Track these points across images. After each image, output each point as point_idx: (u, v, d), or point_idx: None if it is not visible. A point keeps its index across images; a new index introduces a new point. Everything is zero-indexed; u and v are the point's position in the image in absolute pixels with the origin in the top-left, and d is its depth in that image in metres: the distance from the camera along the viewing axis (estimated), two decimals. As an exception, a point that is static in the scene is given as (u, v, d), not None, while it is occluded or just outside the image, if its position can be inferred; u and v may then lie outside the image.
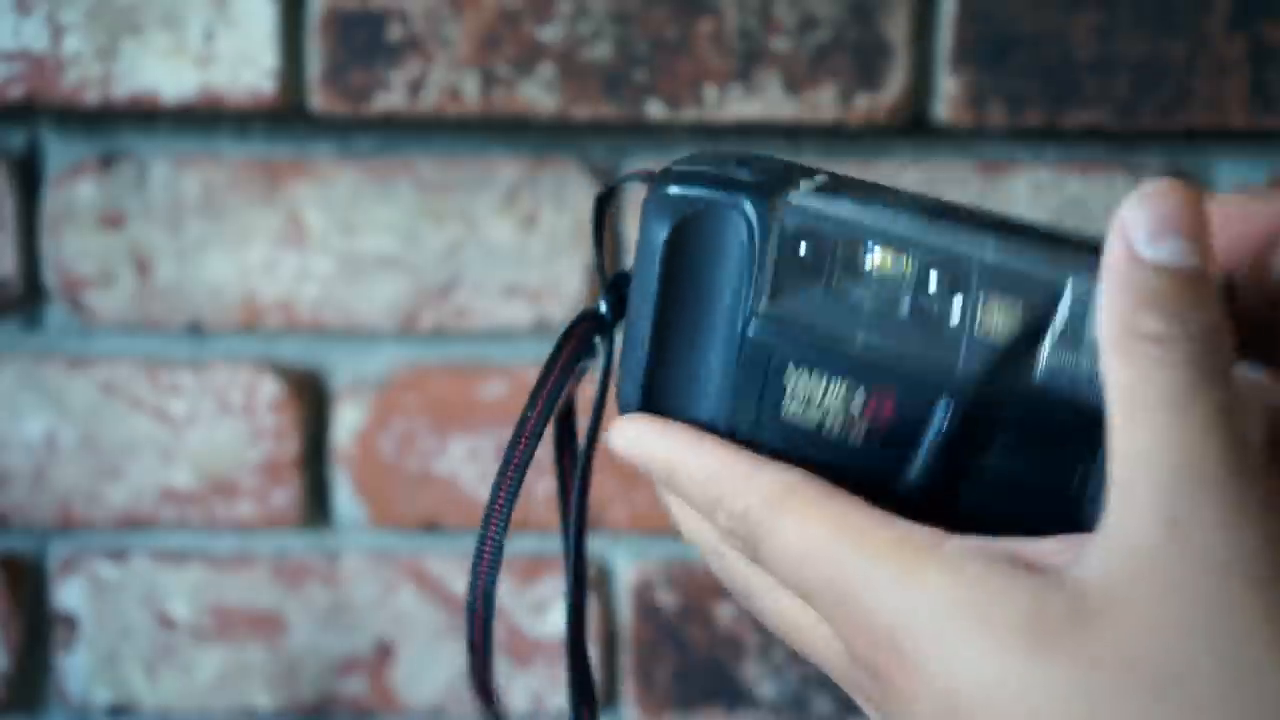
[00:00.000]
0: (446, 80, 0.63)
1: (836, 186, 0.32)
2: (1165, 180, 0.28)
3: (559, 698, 0.68)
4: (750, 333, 0.32)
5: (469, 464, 0.66)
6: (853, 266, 0.31)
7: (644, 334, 0.33)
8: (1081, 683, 0.26)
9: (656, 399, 0.34)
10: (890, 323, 0.31)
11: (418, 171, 0.64)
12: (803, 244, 0.31)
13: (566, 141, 0.64)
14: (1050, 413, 0.30)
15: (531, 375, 0.36)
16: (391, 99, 0.63)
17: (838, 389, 0.31)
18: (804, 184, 0.32)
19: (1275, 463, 0.33)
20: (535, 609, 0.67)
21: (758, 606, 0.35)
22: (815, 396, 0.32)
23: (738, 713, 0.68)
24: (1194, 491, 0.26)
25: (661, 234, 0.32)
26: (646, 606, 0.67)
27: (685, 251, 0.32)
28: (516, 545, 0.67)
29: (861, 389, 0.31)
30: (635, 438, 0.35)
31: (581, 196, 0.64)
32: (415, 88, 0.63)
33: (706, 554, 0.36)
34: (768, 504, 0.32)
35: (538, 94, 0.63)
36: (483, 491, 0.66)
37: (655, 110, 0.63)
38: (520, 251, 0.64)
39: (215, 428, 0.66)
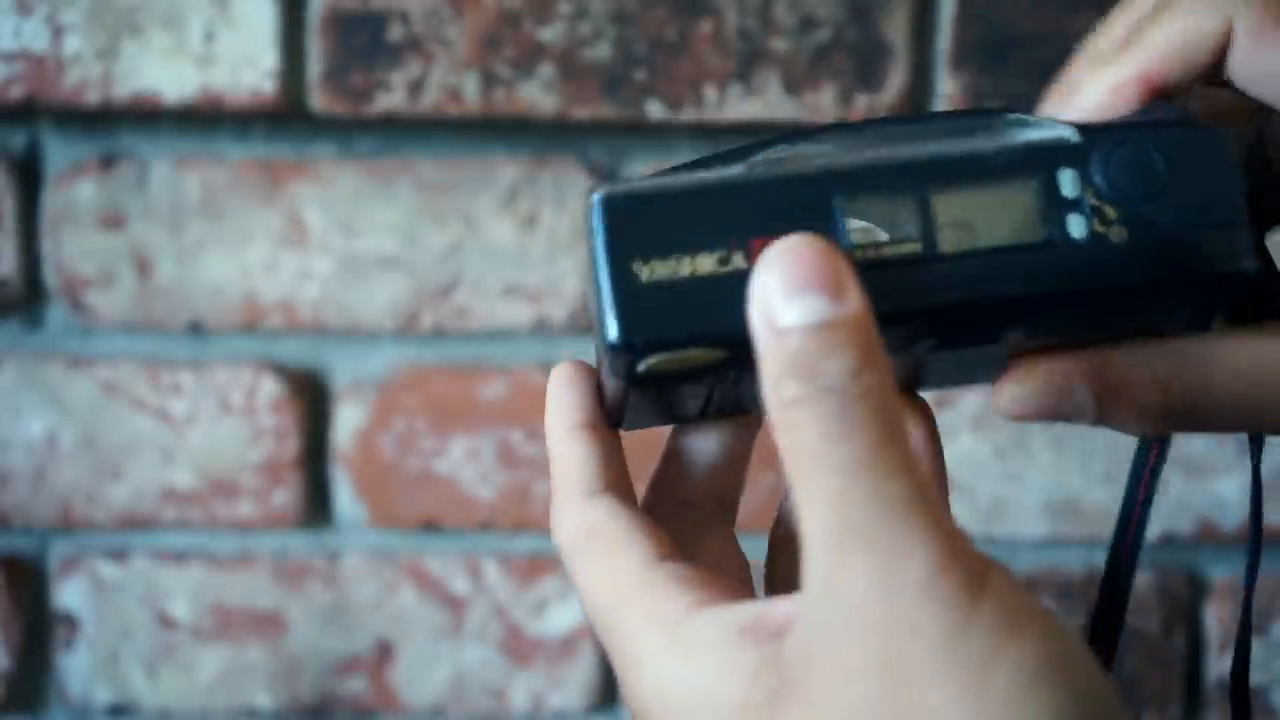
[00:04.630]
0: (447, 81, 0.63)
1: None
2: (791, 237, 0.26)
3: (559, 697, 0.68)
4: None
5: (469, 464, 0.66)
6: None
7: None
8: None
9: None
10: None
11: (418, 172, 0.64)
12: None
13: (566, 141, 0.64)
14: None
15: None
16: (392, 99, 0.63)
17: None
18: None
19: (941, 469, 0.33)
20: (535, 609, 0.67)
21: None
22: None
23: (738, 712, 0.68)
24: (843, 553, 0.25)
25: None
26: (646, 606, 0.67)
27: None
28: (517, 545, 0.67)
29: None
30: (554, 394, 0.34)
31: (581, 196, 0.64)
32: (415, 88, 0.63)
33: None
34: (574, 544, 0.31)
35: (538, 94, 0.63)
36: (482, 491, 0.66)
37: (655, 110, 0.63)
38: (520, 251, 0.64)
39: (216, 428, 0.66)
